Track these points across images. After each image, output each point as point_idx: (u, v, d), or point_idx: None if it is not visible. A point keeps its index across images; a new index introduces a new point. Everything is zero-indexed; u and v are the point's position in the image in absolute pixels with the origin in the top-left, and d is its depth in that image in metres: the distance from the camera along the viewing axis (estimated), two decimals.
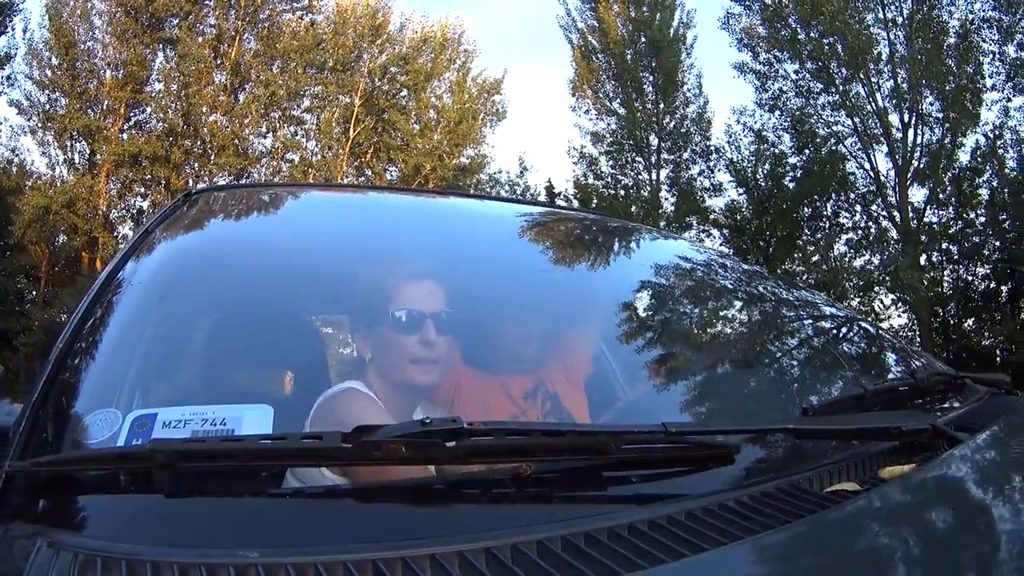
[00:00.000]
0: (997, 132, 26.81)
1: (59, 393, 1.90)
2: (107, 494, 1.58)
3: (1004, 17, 26.21)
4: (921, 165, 27.67)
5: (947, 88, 26.51)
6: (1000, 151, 26.91)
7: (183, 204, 3.13)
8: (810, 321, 3.22)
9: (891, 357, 3.02)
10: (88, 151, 28.81)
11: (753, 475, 1.68)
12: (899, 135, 28.01)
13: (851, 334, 3.18)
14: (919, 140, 27.67)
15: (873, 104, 28.29)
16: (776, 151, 30.82)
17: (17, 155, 29.56)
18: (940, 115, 27.12)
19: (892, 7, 27.57)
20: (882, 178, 28.89)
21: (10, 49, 27.81)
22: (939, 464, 1.72)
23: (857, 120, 28.62)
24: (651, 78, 32.80)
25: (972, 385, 2.49)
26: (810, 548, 1.38)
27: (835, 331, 3.18)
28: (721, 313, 3.20)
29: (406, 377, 2.34)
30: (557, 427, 1.76)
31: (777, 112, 30.58)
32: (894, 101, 27.85)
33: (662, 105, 32.80)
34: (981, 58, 26.59)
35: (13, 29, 27.68)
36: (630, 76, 32.61)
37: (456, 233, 3.31)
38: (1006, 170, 26.82)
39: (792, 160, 30.64)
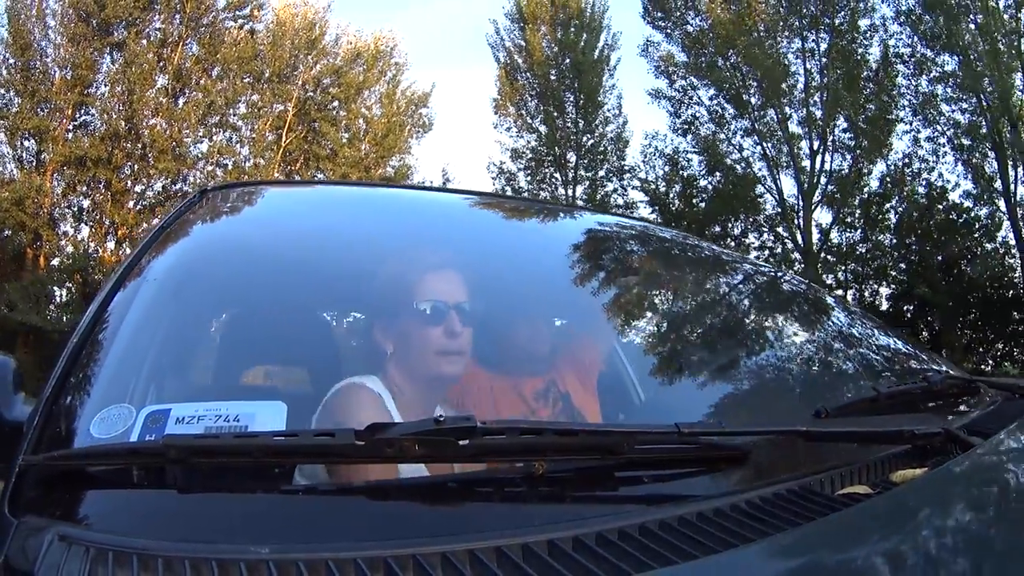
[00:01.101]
0: (907, 160, 28.70)
1: (73, 388, 1.90)
2: (120, 489, 1.58)
3: (920, 50, 27.76)
4: (830, 189, 29.50)
5: (860, 117, 28.18)
6: (908, 179, 28.77)
7: (198, 201, 3.13)
8: (824, 323, 3.22)
9: (904, 360, 3.01)
10: (36, 150, 29.19)
11: (765, 477, 1.68)
12: (807, 161, 29.83)
13: (865, 337, 3.17)
14: (828, 166, 29.49)
15: (783, 131, 29.96)
16: (687, 173, 32.49)
17: None
18: (852, 142, 28.88)
19: (810, 39, 29.20)
20: (791, 201, 30.57)
21: None
22: (951, 468, 1.72)
23: (769, 145, 30.24)
24: (572, 98, 34.00)
25: (986, 389, 2.49)
26: (821, 550, 1.37)
27: (849, 333, 3.17)
28: (735, 314, 3.19)
29: (432, 369, 2.34)
30: (570, 427, 1.76)
31: (689, 136, 32.17)
32: (806, 128, 29.50)
33: (582, 124, 34.04)
34: (893, 91, 28.24)
35: None
36: (552, 95, 33.83)
37: (469, 231, 3.31)
38: (915, 196, 28.72)
39: (703, 183, 32.34)
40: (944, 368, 2.77)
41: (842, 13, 29.14)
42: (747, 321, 3.14)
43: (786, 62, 29.86)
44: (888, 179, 29.49)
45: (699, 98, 31.98)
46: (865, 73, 28.94)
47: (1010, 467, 1.88)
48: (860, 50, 29.11)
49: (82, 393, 1.90)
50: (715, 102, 31.57)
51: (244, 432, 1.67)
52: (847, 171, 29.63)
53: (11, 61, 28.65)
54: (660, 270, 3.38)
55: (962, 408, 2.36)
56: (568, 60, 34.03)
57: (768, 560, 1.33)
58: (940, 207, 28.74)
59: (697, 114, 32.21)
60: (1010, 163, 26.79)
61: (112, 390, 1.90)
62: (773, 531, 1.38)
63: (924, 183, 29.10)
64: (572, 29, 33.92)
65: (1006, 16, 26.19)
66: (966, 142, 27.55)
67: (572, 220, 4.22)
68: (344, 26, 33.88)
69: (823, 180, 29.91)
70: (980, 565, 1.30)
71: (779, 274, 4.29)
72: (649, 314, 3.04)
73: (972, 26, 26.31)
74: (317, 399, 2.25)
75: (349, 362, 2.85)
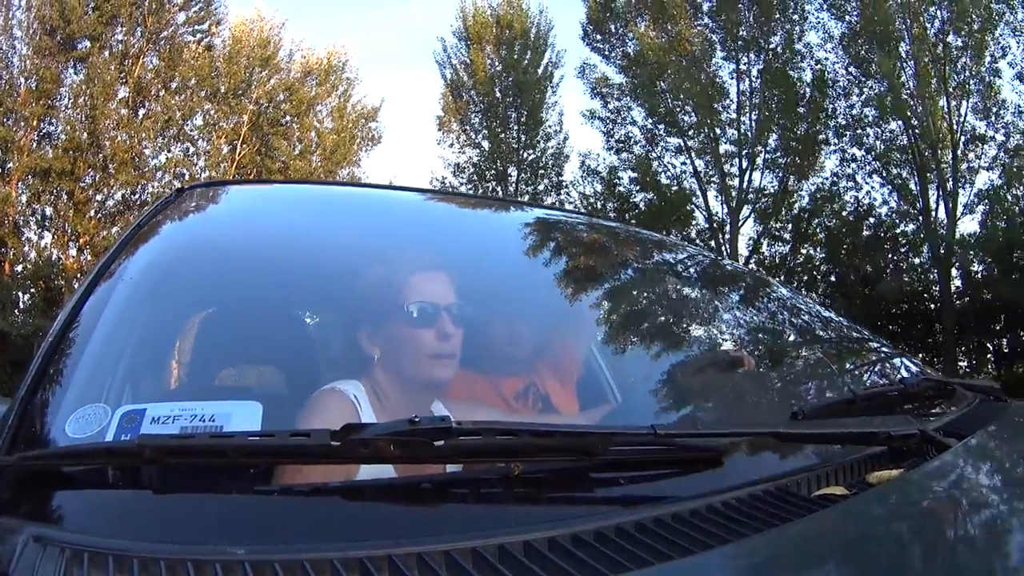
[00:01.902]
0: (835, 179, 30.50)
1: (47, 387, 1.89)
2: (95, 489, 1.57)
3: (849, 74, 29.54)
4: (761, 206, 31.33)
5: (791, 136, 30.04)
6: (836, 196, 30.67)
7: (175, 200, 3.11)
8: (801, 325, 3.23)
9: (881, 362, 3.02)
10: (1, 160, 29.72)
11: (741, 478, 1.67)
12: (738, 180, 31.60)
13: (842, 339, 3.19)
14: (759, 183, 31.26)
15: (711, 151, 31.65)
16: (620, 190, 33.81)
17: None
18: (783, 160, 30.55)
19: (744, 61, 30.91)
20: (720, 217, 32.24)
21: None
22: (927, 469, 1.73)
23: (701, 163, 32.06)
24: (514, 115, 35.23)
25: (961, 391, 2.50)
26: (797, 552, 1.38)
27: (826, 336, 3.18)
28: (713, 316, 3.20)
29: (424, 373, 2.31)
30: (546, 427, 1.75)
31: (624, 154, 33.62)
32: (737, 147, 31.17)
33: (524, 139, 35.38)
34: (823, 113, 29.79)
35: None
36: (496, 112, 35.16)
37: (449, 231, 3.31)
38: (843, 213, 30.55)
39: (636, 198, 33.67)
40: (920, 370, 2.79)
41: (777, 36, 30.48)
42: (725, 323, 3.15)
43: (720, 81, 31.35)
44: (818, 196, 31.02)
45: (632, 118, 33.41)
46: (799, 93, 30.25)
47: (985, 468, 1.89)
48: (794, 74, 30.46)
49: (57, 392, 1.88)
50: (649, 122, 32.93)
51: (220, 432, 1.66)
52: (777, 188, 31.20)
53: None
54: (639, 272, 3.38)
55: (938, 410, 2.37)
56: (512, 78, 35.10)
57: (744, 561, 1.34)
58: (867, 223, 30.36)
59: (630, 133, 33.53)
60: (930, 185, 28.38)
61: (87, 390, 1.88)
62: (749, 532, 1.38)
63: (852, 200, 30.73)
64: (517, 48, 35.11)
65: (933, 39, 27.48)
66: (893, 169, 29.28)
67: (550, 220, 4.21)
68: (298, 41, 34.76)
69: (753, 196, 31.49)
70: (956, 565, 1.31)
71: (758, 277, 4.31)
72: (627, 316, 3.04)
73: (900, 53, 27.89)
74: (293, 399, 2.25)
75: (328, 364, 2.84)
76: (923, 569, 1.30)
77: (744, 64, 30.96)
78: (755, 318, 3.24)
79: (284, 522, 1.46)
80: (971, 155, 27.82)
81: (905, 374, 2.72)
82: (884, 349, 3.15)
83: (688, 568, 1.28)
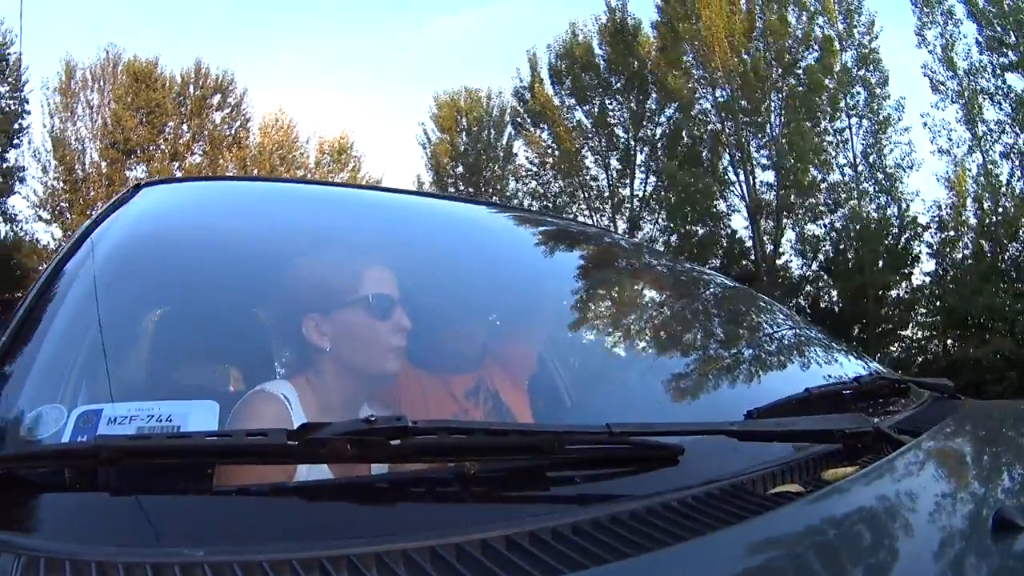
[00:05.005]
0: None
1: (1, 388, 1.87)
2: (51, 492, 1.54)
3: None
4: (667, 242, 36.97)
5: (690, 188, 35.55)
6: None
7: (131, 196, 3.08)
8: (756, 323, 3.24)
9: (835, 360, 3.04)
10: None
11: (697, 476, 1.67)
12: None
13: (796, 337, 3.20)
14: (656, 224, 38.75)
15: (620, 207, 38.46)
16: None
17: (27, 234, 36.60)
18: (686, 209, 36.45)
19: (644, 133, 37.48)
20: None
21: (19, 159, 35.65)
22: (881, 466, 1.74)
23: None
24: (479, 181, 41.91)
25: (915, 389, 2.53)
26: (753, 549, 1.39)
27: (780, 334, 3.19)
28: (668, 315, 3.21)
29: (379, 366, 2.33)
30: (502, 426, 1.76)
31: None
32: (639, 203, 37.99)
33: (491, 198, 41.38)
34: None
35: (20, 145, 35.58)
36: (467, 179, 42.20)
37: (405, 229, 3.28)
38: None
39: None
40: (874, 368, 2.81)
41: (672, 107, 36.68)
42: (679, 321, 3.15)
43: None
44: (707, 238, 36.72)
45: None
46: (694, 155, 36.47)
47: (939, 465, 1.91)
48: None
49: (10, 394, 1.86)
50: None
51: (177, 432, 1.66)
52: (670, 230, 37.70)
53: (61, 184, 36.29)
54: (592, 270, 3.39)
55: (892, 407, 2.39)
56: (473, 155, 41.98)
57: (701, 559, 1.34)
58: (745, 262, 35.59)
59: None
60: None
61: (42, 390, 1.87)
62: (706, 530, 1.39)
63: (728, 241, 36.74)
64: (476, 130, 42.00)
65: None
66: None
67: (506, 221, 4.21)
68: (314, 131, 41.12)
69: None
70: (909, 562, 1.32)
71: (710, 275, 4.32)
72: (581, 314, 3.05)
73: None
74: None
75: (279, 360, 2.82)
76: (878, 566, 1.31)
77: (643, 135, 37.26)
78: (710, 315, 3.25)
79: (243, 523, 1.45)
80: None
81: (860, 372, 2.73)
82: (839, 347, 3.17)
83: (644, 566, 1.28)
